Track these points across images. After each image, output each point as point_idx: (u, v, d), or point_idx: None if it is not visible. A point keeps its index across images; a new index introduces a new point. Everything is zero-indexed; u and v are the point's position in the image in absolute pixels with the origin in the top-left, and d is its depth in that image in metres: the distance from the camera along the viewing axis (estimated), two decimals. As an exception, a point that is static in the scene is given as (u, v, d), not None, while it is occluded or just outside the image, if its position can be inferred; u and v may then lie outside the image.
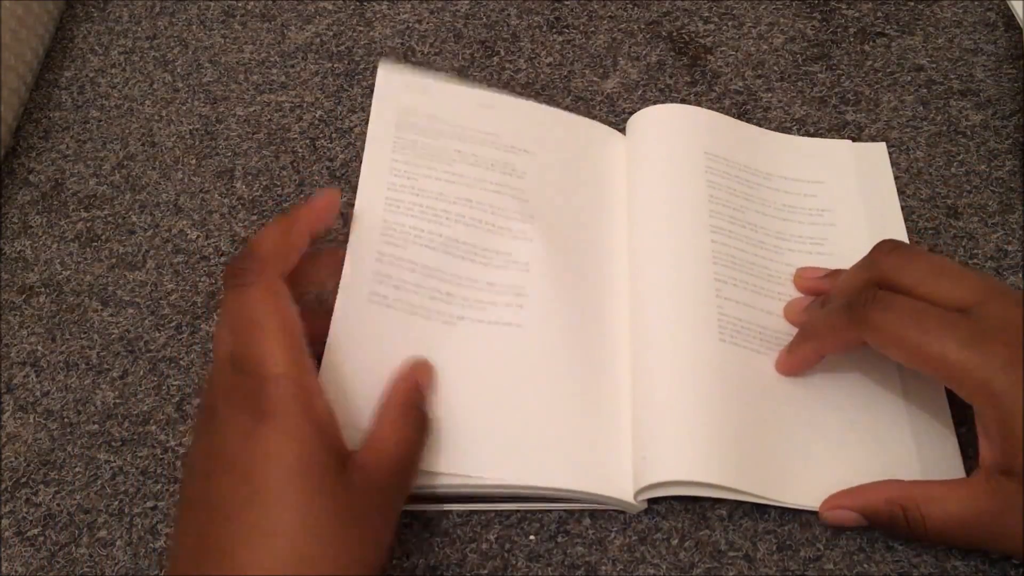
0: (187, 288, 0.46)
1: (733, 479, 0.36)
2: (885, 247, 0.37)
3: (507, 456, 0.37)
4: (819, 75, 0.52)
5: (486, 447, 0.37)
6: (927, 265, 0.35)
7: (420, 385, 0.36)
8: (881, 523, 0.35)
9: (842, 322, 0.35)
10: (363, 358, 0.37)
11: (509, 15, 0.56)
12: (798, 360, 0.39)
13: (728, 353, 0.39)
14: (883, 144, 0.49)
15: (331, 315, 0.37)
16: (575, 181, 0.45)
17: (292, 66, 0.55)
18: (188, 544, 0.31)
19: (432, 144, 0.43)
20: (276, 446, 0.30)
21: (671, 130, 0.46)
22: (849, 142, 0.49)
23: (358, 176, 0.49)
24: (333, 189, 0.39)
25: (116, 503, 0.40)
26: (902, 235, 0.45)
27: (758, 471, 0.37)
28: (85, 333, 0.45)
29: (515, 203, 0.43)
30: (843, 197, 0.46)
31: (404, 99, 0.44)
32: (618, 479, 0.37)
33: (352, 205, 0.47)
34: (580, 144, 0.47)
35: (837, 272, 0.41)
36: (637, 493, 0.37)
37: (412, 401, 0.35)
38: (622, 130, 0.48)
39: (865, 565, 0.36)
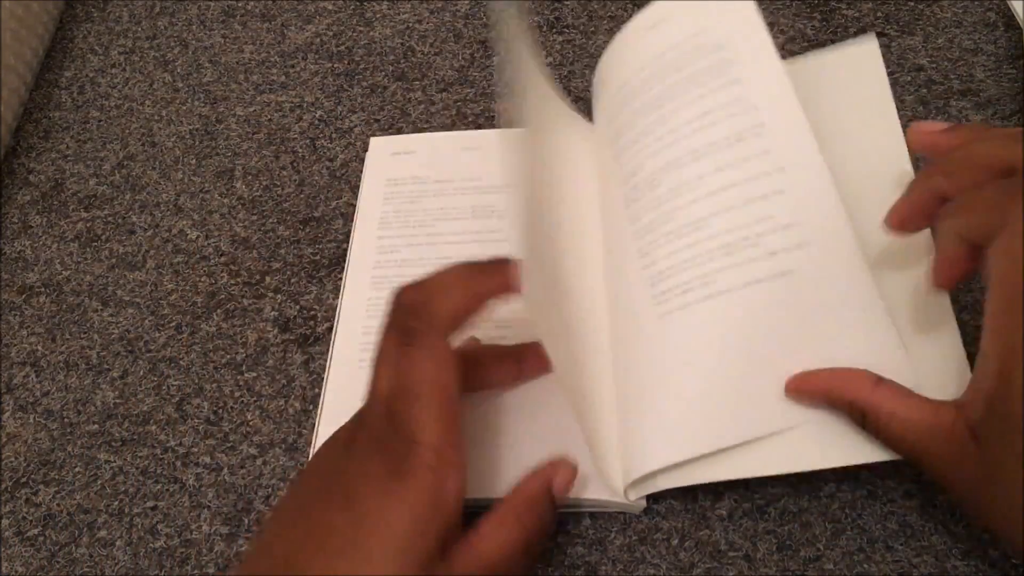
0: (187, 288, 0.46)
1: (717, 440, 0.34)
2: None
3: (502, 473, 0.37)
4: (819, 75, 0.52)
5: (487, 468, 0.37)
6: None
7: (553, 485, 0.34)
8: (841, 413, 0.34)
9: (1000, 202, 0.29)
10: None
11: (509, 15, 0.56)
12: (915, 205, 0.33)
13: (672, 323, 0.37)
14: (872, 37, 0.43)
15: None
16: (558, 198, 0.46)
17: (292, 66, 0.55)
18: (270, 547, 0.30)
19: (415, 209, 0.47)
20: (396, 509, 0.29)
21: (597, 101, 0.47)
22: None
23: (358, 176, 0.49)
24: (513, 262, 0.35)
25: (116, 503, 0.40)
26: (897, 134, 0.40)
27: (741, 417, 0.35)
28: (85, 333, 0.45)
29: (492, 247, 0.44)
30: (738, 38, 0.40)
31: (391, 168, 0.48)
32: (616, 482, 0.37)
33: (354, 204, 0.48)
34: (561, 154, 0.47)
35: (967, 129, 0.33)
36: (627, 490, 0.37)
37: (534, 503, 0.33)
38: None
39: (865, 565, 0.36)
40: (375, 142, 0.50)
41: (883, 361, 0.34)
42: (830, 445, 0.34)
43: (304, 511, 0.31)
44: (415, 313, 0.32)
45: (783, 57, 0.38)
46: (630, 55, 0.44)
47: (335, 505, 0.30)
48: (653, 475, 0.36)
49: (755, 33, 0.39)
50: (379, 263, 0.45)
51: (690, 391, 0.36)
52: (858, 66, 0.42)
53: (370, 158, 0.49)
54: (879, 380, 0.33)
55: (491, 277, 0.34)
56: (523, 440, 0.38)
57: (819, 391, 0.34)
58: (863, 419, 0.33)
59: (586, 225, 0.44)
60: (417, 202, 0.47)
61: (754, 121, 0.38)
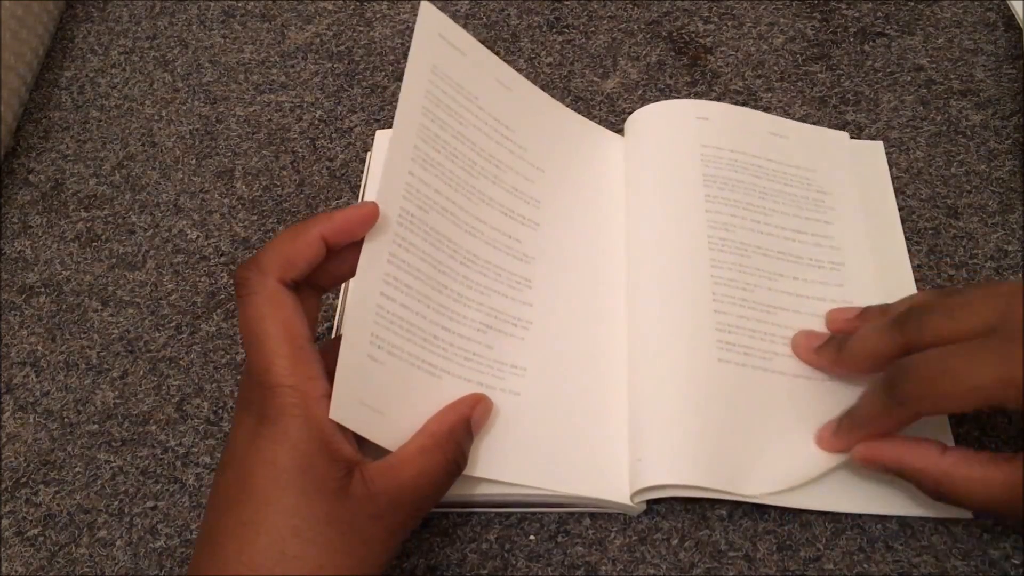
0: (187, 288, 0.46)
1: (730, 484, 0.36)
2: (898, 316, 0.35)
3: (507, 457, 0.37)
4: (819, 75, 0.52)
5: (488, 448, 0.37)
6: (941, 308, 0.34)
7: (469, 420, 0.36)
8: (909, 481, 0.36)
9: (881, 409, 0.35)
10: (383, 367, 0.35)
11: (509, 15, 0.56)
12: (849, 445, 0.37)
13: (726, 370, 0.39)
14: (880, 143, 0.49)
15: None
16: (576, 187, 0.45)
17: (292, 66, 0.55)
18: (200, 534, 0.32)
19: (450, 137, 0.40)
20: (273, 449, 0.31)
21: (666, 127, 0.46)
22: (846, 135, 0.49)
23: (358, 176, 0.49)
24: (370, 203, 0.35)
25: (116, 503, 0.40)
26: (898, 233, 0.45)
27: (756, 475, 0.37)
28: (85, 333, 0.45)
29: (524, 230, 0.42)
30: (839, 188, 0.46)
31: (439, 55, 0.40)
32: (615, 482, 0.37)
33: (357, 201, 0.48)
34: (581, 147, 0.47)
35: (867, 312, 0.40)
36: (633, 495, 0.37)
37: (451, 433, 0.34)
38: (620, 130, 0.48)
39: (865, 565, 0.36)
40: (425, 8, 0.39)
41: None
42: (837, 492, 0.38)
43: (213, 491, 0.32)
44: (244, 268, 0.33)
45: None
46: (743, 136, 0.47)
47: (225, 471, 0.32)
48: (660, 487, 0.36)
49: (851, 196, 0.46)
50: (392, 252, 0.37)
51: (724, 431, 0.38)
52: (865, 162, 0.48)
53: (421, 26, 0.39)
54: (945, 448, 0.35)
55: (327, 215, 0.34)
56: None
57: (890, 460, 0.36)
58: (936, 486, 0.34)
59: (612, 230, 0.45)
60: (455, 120, 0.40)
61: (835, 259, 0.43)
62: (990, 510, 0.34)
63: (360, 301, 0.34)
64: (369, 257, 0.35)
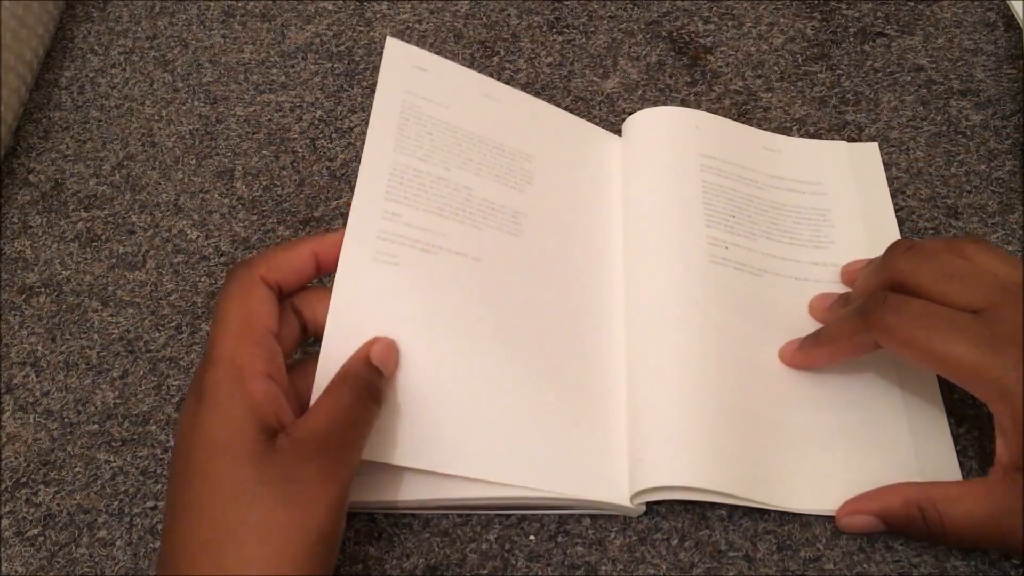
0: (187, 288, 0.46)
1: (730, 485, 0.36)
2: (899, 248, 0.37)
3: (503, 456, 0.37)
4: (819, 75, 0.52)
5: (481, 446, 0.37)
6: (940, 267, 0.35)
7: (372, 359, 0.36)
8: (899, 525, 0.35)
9: (855, 326, 0.36)
10: (369, 320, 0.37)
11: (509, 15, 0.56)
12: (808, 360, 0.39)
13: (728, 368, 0.39)
14: (875, 144, 0.49)
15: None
16: (571, 185, 0.45)
17: (292, 66, 0.55)
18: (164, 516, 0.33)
19: (436, 140, 0.42)
20: (207, 425, 0.32)
21: (665, 132, 0.46)
22: (844, 143, 0.49)
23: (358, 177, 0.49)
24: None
25: (116, 503, 0.40)
26: (894, 233, 0.45)
27: (755, 476, 0.37)
28: (85, 333, 0.45)
29: (510, 216, 0.42)
30: (841, 198, 0.46)
31: (410, 79, 0.42)
32: (614, 484, 0.37)
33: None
34: (576, 147, 0.47)
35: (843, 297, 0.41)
36: (633, 497, 0.37)
37: (355, 372, 0.35)
38: (619, 130, 0.48)
39: (865, 565, 0.36)
40: (392, 44, 0.43)
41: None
42: (837, 493, 0.38)
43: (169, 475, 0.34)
44: (236, 263, 0.36)
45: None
46: (737, 147, 0.47)
47: (175, 458, 0.33)
48: (660, 488, 0.36)
49: (854, 211, 0.46)
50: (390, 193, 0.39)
51: (727, 430, 0.37)
52: (861, 164, 0.48)
53: (388, 58, 0.42)
54: (919, 482, 0.36)
55: (322, 233, 0.37)
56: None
57: (873, 510, 0.36)
58: (922, 514, 0.34)
59: (608, 231, 0.45)
60: (439, 138, 0.42)
61: (829, 260, 0.44)
62: (973, 529, 0.33)
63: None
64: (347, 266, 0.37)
